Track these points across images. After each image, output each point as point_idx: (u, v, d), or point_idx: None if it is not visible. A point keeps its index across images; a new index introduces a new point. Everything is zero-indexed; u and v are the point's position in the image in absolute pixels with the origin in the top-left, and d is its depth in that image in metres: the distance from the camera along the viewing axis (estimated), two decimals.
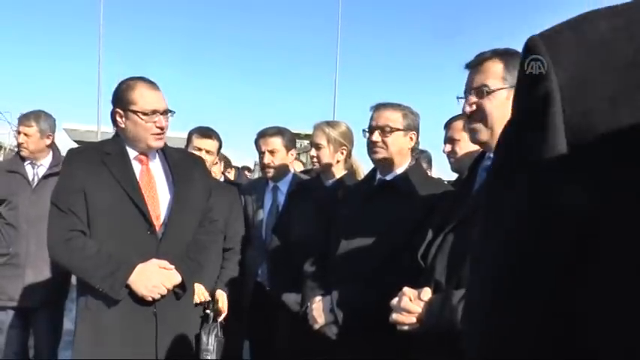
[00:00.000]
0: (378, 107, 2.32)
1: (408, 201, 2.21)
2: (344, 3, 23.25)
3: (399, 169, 2.32)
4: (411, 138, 2.33)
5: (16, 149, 3.94)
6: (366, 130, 2.34)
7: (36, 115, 3.55)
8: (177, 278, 2.30)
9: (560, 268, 0.60)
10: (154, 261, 2.26)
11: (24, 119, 3.54)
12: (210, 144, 3.29)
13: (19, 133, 3.54)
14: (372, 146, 2.29)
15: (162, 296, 2.27)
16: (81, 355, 2.29)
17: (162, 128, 2.33)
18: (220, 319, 2.94)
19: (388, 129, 2.26)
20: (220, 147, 3.40)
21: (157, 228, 2.31)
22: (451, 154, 2.80)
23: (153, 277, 2.23)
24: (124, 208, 2.25)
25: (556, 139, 0.58)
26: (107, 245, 2.24)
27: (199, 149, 3.22)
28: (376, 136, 2.27)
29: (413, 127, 2.32)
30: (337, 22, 22.89)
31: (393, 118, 2.27)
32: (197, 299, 2.89)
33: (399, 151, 2.30)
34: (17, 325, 3.55)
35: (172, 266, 2.29)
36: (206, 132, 3.33)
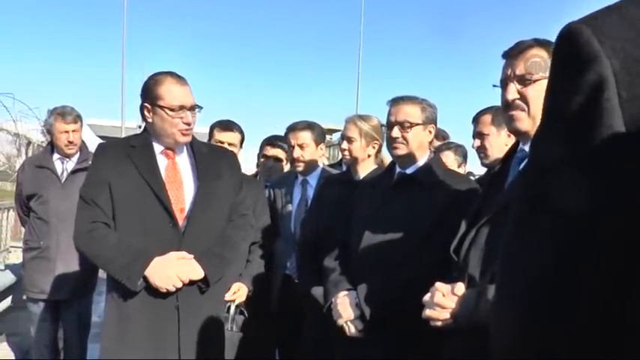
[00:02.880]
0: (396, 102, 2.30)
1: (430, 194, 2.20)
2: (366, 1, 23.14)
3: (419, 163, 2.31)
4: (429, 131, 2.32)
5: (44, 145, 4.00)
6: (384, 125, 2.33)
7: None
8: (198, 272, 2.27)
9: (603, 270, 0.58)
10: (172, 253, 2.25)
11: (76, 118, 3.58)
12: (231, 136, 3.26)
13: (66, 132, 3.55)
14: (392, 142, 2.27)
15: (179, 289, 2.24)
16: (107, 348, 2.33)
17: (189, 124, 2.31)
18: (232, 309, 2.91)
19: (408, 124, 2.24)
20: (243, 139, 3.36)
21: (181, 221, 2.30)
22: (480, 149, 2.74)
23: (168, 269, 2.21)
24: (146, 200, 2.26)
25: (613, 124, 0.55)
26: (130, 237, 2.25)
27: (221, 142, 3.20)
28: (396, 132, 2.24)
29: (431, 120, 2.31)
30: (360, 19, 22.80)
31: (412, 113, 2.25)
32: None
33: (419, 145, 2.29)
34: (48, 317, 3.62)
35: (191, 256, 2.27)
36: (227, 125, 3.31)
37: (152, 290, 2.23)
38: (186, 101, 2.30)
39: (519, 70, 1.64)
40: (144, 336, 2.26)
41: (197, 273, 2.27)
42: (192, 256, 2.28)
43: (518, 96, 1.65)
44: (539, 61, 1.63)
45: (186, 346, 2.29)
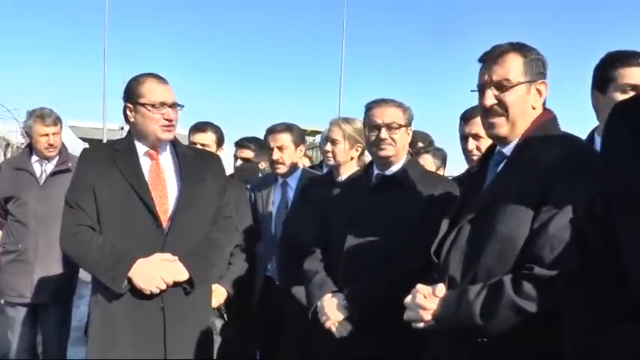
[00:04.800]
0: (379, 104, 2.34)
1: (410, 194, 2.24)
2: (349, 2, 23.19)
3: (398, 164, 2.35)
4: (408, 133, 2.37)
5: (23, 146, 3.94)
6: (366, 127, 2.37)
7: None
8: (182, 274, 2.29)
9: None
10: (156, 255, 2.26)
11: (56, 120, 3.53)
12: (204, 137, 3.28)
13: (46, 134, 3.50)
14: (380, 143, 2.30)
15: (163, 291, 2.25)
16: (92, 351, 2.31)
17: (170, 120, 2.35)
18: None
19: (395, 126, 2.28)
20: (220, 139, 3.37)
21: (164, 222, 2.32)
22: (474, 152, 2.61)
23: (152, 271, 2.23)
24: (130, 202, 2.28)
25: None
26: (115, 239, 2.26)
27: (194, 144, 3.22)
28: (384, 134, 2.28)
29: (410, 122, 2.38)
30: (342, 21, 22.88)
31: (397, 115, 2.31)
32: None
33: (403, 146, 2.35)
34: (26, 321, 3.55)
35: (176, 258, 2.28)
36: (200, 126, 3.33)
37: (137, 292, 2.24)
38: (167, 98, 2.35)
39: (496, 75, 1.66)
40: (129, 338, 2.26)
41: (181, 274, 2.28)
42: (176, 257, 2.29)
43: (495, 102, 1.66)
44: (519, 67, 1.65)
45: (173, 347, 2.28)
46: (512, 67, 1.65)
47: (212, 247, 2.44)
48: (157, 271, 2.23)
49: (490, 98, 1.66)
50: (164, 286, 2.24)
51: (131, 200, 2.28)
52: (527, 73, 1.65)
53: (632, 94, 1.98)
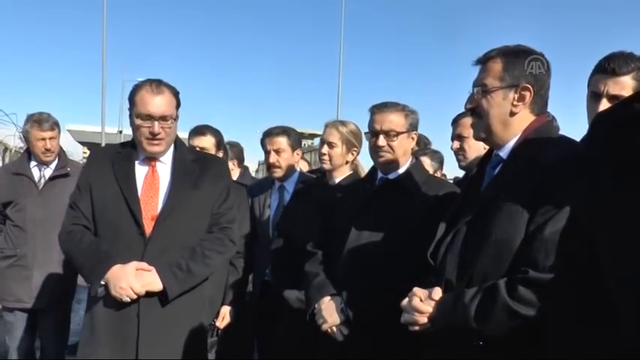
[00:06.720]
0: (380, 110, 2.31)
1: (413, 199, 2.23)
2: (347, 5, 23.22)
3: (401, 169, 2.34)
4: (412, 138, 2.36)
5: (21, 151, 3.94)
6: (368, 132, 2.36)
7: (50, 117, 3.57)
8: (155, 284, 2.22)
9: None
10: (133, 263, 2.22)
11: (53, 125, 3.55)
12: (203, 141, 3.28)
13: (43, 139, 3.51)
14: (377, 150, 2.30)
15: (134, 300, 2.20)
16: (80, 352, 2.34)
17: (154, 134, 2.28)
18: (213, 335, 2.94)
19: (394, 133, 2.27)
20: (219, 143, 3.37)
21: (149, 229, 2.27)
22: (459, 152, 2.78)
23: (123, 280, 2.17)
24: (118, 206, 2.28)
25: None
26: (103, 241, 2.28)
27: (193, 147, 3.22)
28: (382, 141, 2.27)
29: (414, 127, 2.35)
30: (340, 23, 22.92)
31: (397, 121, 2.29)
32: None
33: (404, 152, 2.34)
34: (24, 326, 3.55)
35: (151, 267, 2.23)
36: (199, 129, 3.34)
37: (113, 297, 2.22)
38: (155, 110, 2.27)
39: (478, 79, 1.69)
40: (106, 342, 2.25)
41: (154, 285, 2.22)
42: (152, 268, 2.23)
43: (474, 105, 1.70)
44: (497, 73, 1.65)
45: (146, 354, 2.24)
46: (491, 72, 1.66)
47: (196, 258, 2.33)
48: (126, 280, 2.17)
49: (471, 101, 1.70)
50: (134, 296, 2.19)
51: (119, 204, 2.27)
52: (506, 79, 1.64)
53: (597, 100, 2.06)
